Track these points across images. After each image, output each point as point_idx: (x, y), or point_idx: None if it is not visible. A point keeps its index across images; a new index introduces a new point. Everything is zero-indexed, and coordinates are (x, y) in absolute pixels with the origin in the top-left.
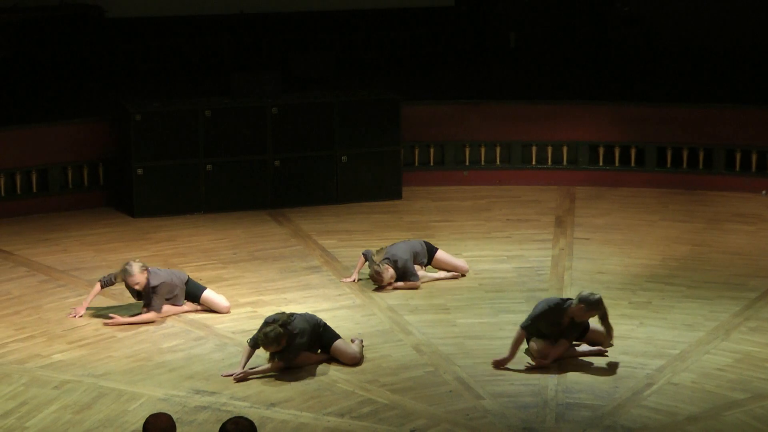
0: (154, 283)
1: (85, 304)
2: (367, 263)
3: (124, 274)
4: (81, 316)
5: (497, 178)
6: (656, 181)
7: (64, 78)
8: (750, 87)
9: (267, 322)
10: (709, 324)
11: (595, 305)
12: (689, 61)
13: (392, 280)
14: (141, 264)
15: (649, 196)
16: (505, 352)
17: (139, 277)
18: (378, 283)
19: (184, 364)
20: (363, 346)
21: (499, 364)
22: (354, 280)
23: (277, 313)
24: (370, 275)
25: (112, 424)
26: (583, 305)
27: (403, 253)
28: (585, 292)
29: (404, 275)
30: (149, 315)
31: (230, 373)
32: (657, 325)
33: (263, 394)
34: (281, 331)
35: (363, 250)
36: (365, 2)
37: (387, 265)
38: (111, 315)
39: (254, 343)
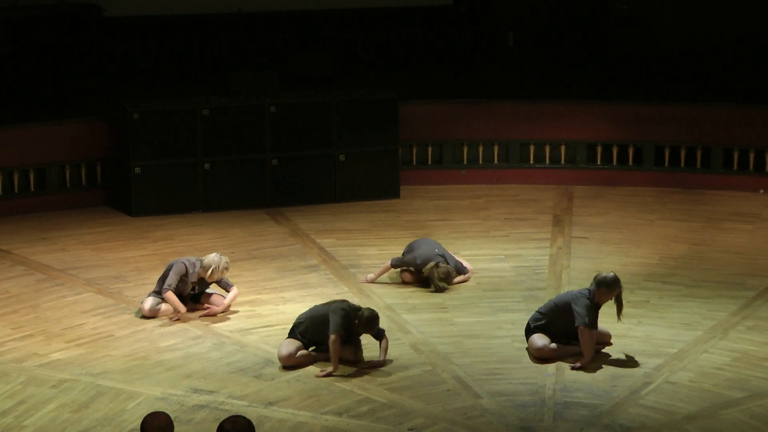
0: None
1: (180, 308)
2: (412, 269)
3: (222, 271)
4: (177, 319)
5: (495, 177)
6: (654, 180)
7: (62, 77)
8: (748, 86)
9: (347, 312)
10: (707, 323)
11: (613, 284)
12: (688, 61)
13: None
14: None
15: (647, 195)
16: (502, 352)
17: None
18: (449, 282)
19: (182, 363)
20: (361, 346)
21: (580, 368)
22: (369, 281)
23: (340, 306)
24: (438, 277)
25: (110, 423)
26: (603, 288)
27: (445, 251)
28: (600, 275)
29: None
30: (235, 291)
31: (326, 373)
32: (655, 324)
33: (261, 393)
34: (370, 310)
35: (388, 259)
36: (363, 1)
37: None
38: (207, 305)
39: (347, 335)
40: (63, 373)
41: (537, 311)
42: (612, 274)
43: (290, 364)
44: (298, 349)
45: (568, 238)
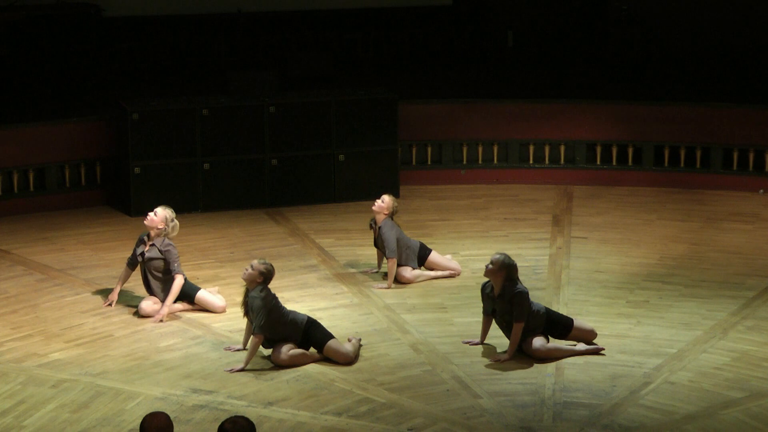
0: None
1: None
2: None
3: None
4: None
5: (495, 177)
6: (654, 180)
7: (62, 77)
8: (748, 86)
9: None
10: (706, 323)
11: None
12: (688, 61)
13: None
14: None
15: (646, 195)
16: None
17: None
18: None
19: (182, 363)
20: (361, 345)
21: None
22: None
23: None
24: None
25: (110, 423)
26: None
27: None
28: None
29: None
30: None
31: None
32: (654, 324)
33: (261, 393)
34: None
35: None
36: (363, 1)
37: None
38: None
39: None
40: (62, 373)
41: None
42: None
43: (284, 363)
44: (290, 348)
45: (567, 238)
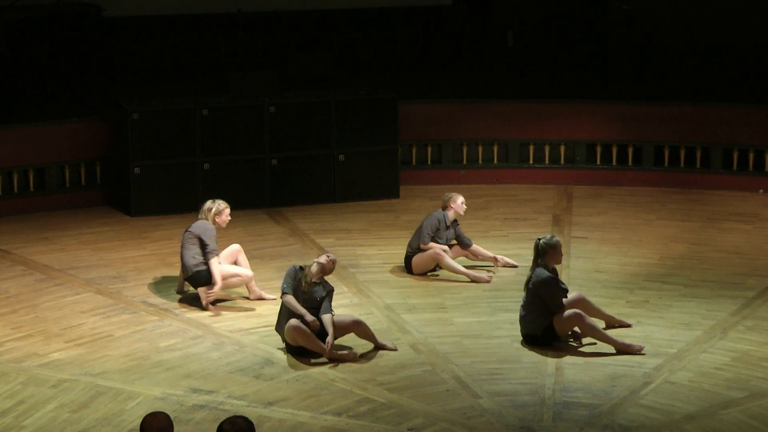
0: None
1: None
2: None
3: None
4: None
5: (495, 177)
6: (654, 180)
7: (62, 77)
8: (748, 86)
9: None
10: (706, 323)
11: (557, 243)
12: (688, 61)
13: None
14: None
15: (646, 195)
16: (501, 352)
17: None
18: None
19: (182, 363)
20: (394, 349)
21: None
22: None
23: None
24: None
25: (110, 423)
26: (549, 251)
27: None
28: (542, 240)
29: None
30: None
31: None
32: (654, 324)
33: (260, 393)
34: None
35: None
36: (363, 1)
37: None
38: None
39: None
40: (62, 373)
41: (521, 306)
42: (550, 235)
43: (291, 335)
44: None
45: (567, 238)
